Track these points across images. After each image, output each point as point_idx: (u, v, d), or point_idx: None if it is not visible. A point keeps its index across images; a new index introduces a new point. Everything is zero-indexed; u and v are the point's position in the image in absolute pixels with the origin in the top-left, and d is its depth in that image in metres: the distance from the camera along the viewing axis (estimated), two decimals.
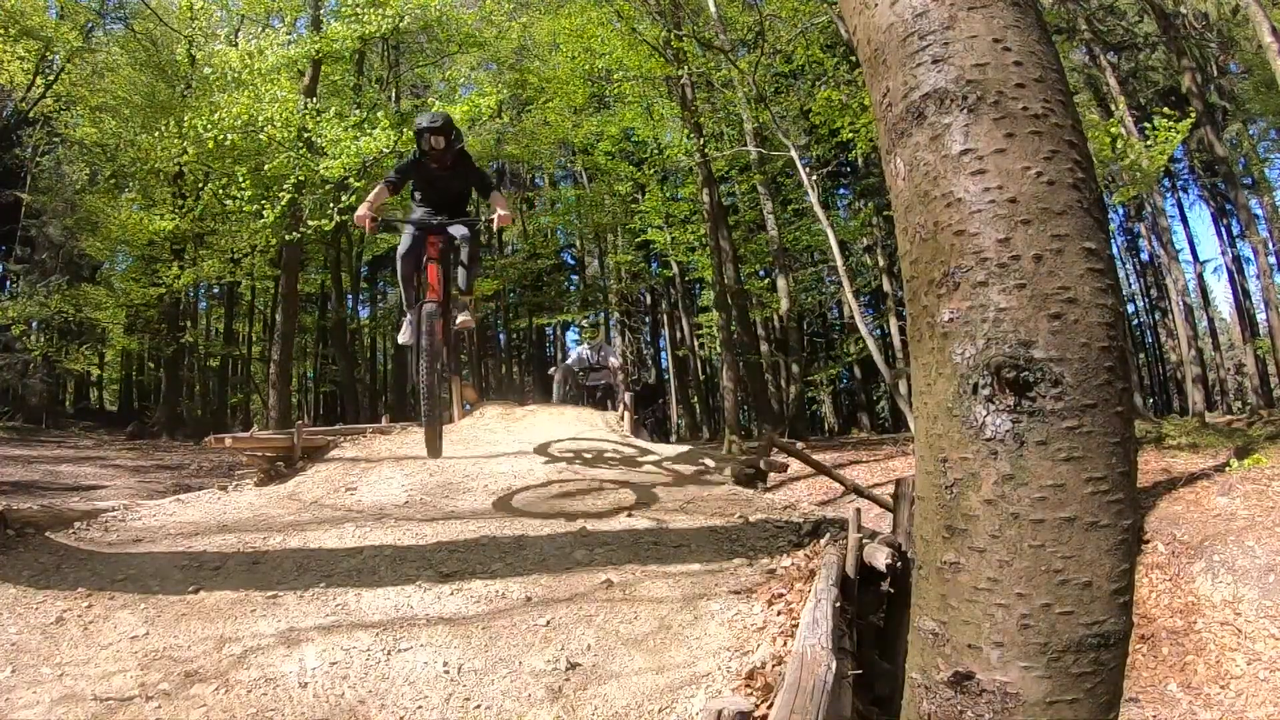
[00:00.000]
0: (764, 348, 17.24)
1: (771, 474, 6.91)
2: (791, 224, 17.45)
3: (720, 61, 12.07)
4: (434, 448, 4.18)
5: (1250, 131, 16.52)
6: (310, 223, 11.75)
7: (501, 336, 23.82)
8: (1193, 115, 11.73)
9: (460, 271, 4.17)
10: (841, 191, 21.21)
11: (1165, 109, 10.17)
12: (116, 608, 2.69)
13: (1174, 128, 9.58)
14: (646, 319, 23.52)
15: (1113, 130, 9.70)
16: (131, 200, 14.90)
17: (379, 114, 11.66)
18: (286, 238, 11.69)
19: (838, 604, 2.44)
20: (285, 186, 11.19)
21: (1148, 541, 5.97)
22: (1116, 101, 14.16)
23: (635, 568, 3.03)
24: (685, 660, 2.35)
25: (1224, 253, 17.59)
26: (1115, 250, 18.37)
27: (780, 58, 12.04)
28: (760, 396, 14.86)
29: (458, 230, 4.12)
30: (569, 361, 10.26)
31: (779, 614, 2.58)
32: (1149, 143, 9.81)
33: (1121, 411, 1.32)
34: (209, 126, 10.58)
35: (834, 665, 1.91)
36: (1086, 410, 1.29)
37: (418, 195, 4.26)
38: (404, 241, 4.15)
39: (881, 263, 18.87)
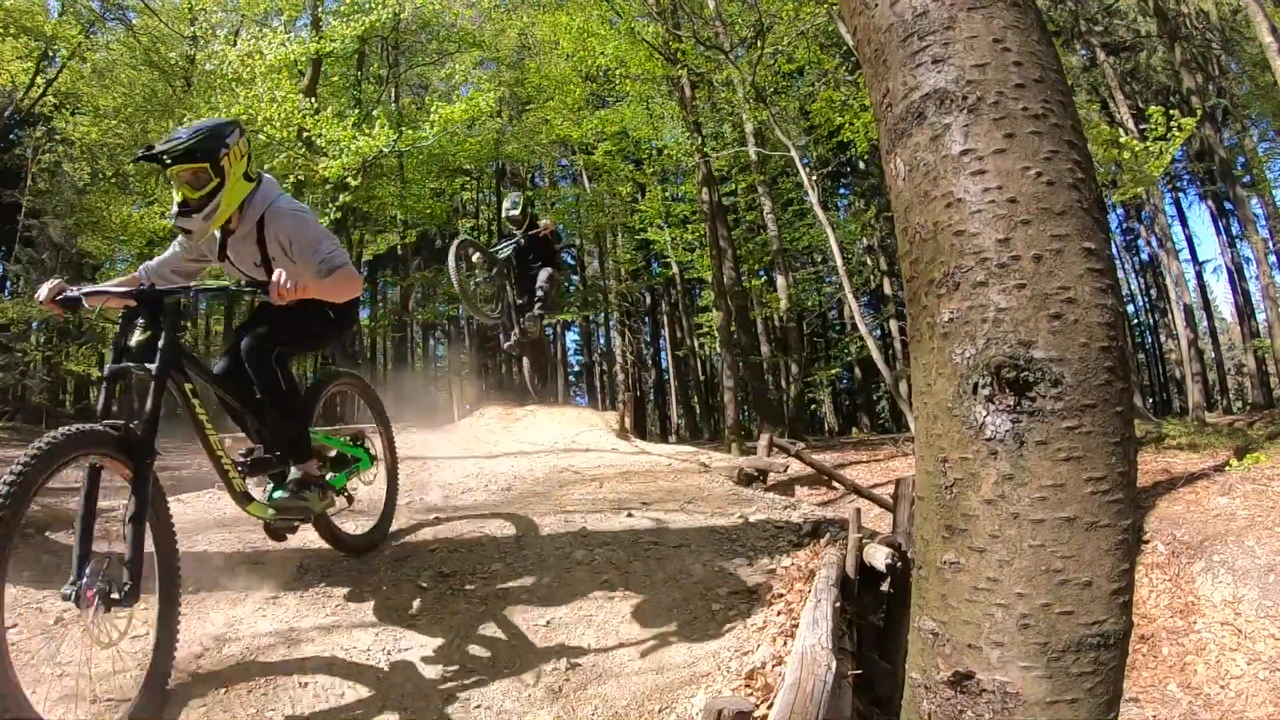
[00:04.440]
0: (764, 348, 17.23)
1: (771, 474, 6.92)
2: (791, 224, 17.44)
3: (720, 60, 12.06)
4: None
5: (1250, 132, 16.48)
6: None
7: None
8: (1198, 114, 11.71)
9: None
10: (841, 191, 21.19)
11: (1163, 109, 10.12)
12: None
13: (1177, 123, 9.51)
14: (646, 319, 23.50)
15: (1120, 141, 9.64)
16: (132, 200, 14.90)
17: (375, 112, 11.65)
18: None
19: (838, 604, 2.44)
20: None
21: (1148, 541, 5.96)
22: (1116, 101, 14.16)
23: (635, 568, 3.03)
24: (685, 660, 2.35)
25: (1224, 253, 17.59)
26: (1115, 250, 18.36)
27: (781, 57, 12.03)
28: (760, 396, 14.85)
29: None
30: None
31: (779, 614, 2.58)
32: (1147, 142, 9.77)
33: (1121, 411, 1.32)
34: None
35: (834, 665, 1.91)
36: (1086, 410, 1.29)
37: None
38: None
39: (882, 263, 18.86)
